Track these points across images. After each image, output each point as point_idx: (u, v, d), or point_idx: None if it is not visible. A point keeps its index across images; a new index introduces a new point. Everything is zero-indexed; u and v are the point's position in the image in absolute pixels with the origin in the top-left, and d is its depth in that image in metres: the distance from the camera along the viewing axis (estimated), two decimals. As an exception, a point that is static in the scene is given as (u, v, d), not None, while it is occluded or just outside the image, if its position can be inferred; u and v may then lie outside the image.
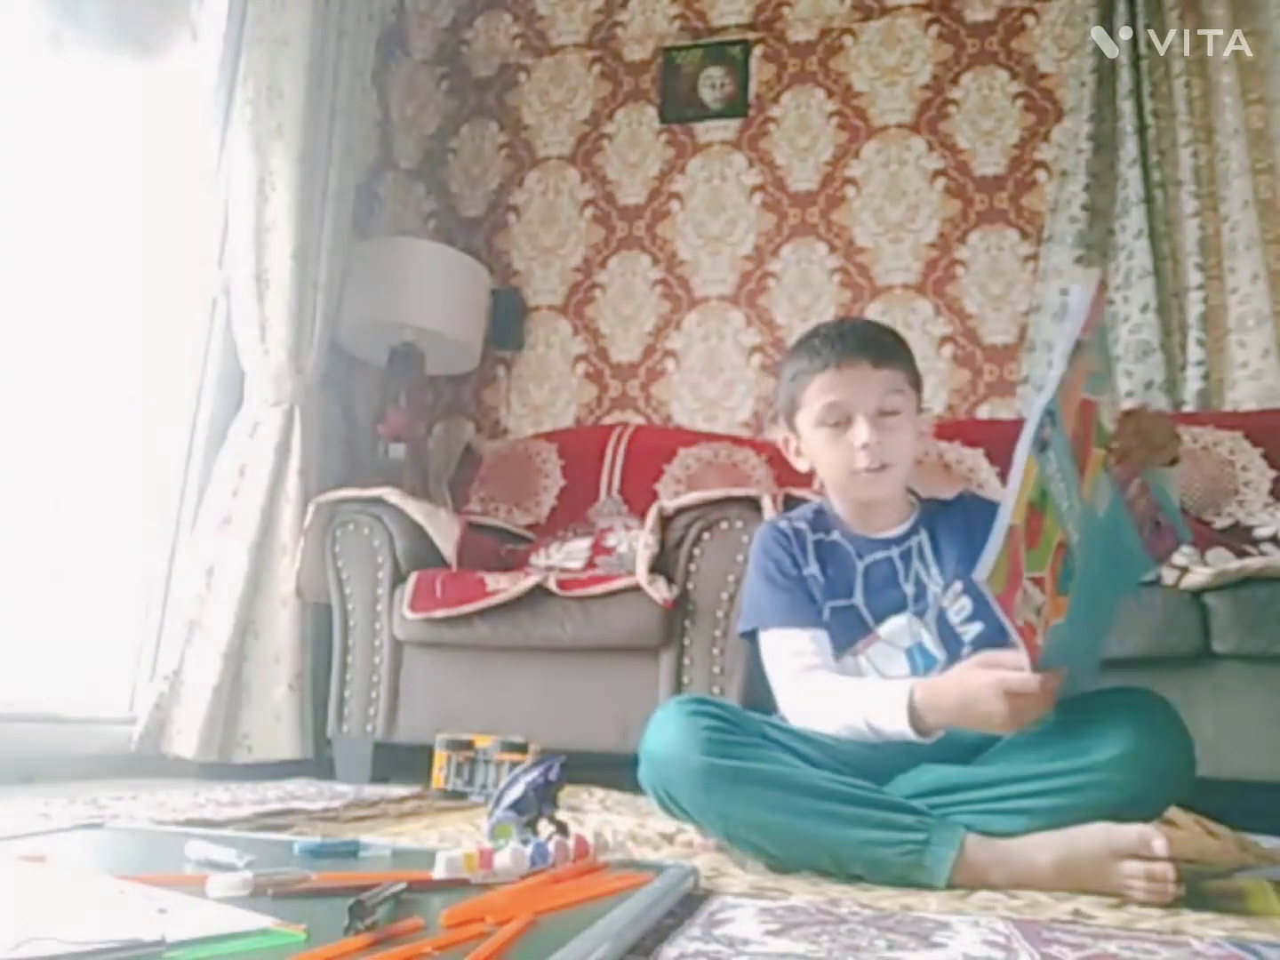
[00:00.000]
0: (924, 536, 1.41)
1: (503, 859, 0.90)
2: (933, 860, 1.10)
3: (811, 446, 1.40)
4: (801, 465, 1.46)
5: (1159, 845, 1.04)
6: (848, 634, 1.36)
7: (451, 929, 0.68)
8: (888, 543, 1.41)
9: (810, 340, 1.39)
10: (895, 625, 1.36)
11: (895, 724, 1.16)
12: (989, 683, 1.08)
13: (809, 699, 1.29)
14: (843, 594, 1.39)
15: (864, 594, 1.38)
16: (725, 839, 1.22)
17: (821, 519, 1.46)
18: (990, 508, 1.21)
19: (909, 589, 1.37)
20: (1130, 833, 1.06)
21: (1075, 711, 1.15)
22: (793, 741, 1.25)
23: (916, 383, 1.40)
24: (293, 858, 0.98)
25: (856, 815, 1.14)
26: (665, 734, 1.21)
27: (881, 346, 1.36)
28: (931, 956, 0.78)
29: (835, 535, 1.43)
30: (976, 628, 1.30)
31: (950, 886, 1.09)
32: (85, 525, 2.38)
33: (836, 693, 1.27)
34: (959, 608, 1.32)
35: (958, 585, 1.33)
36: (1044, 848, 1.10)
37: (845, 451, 1.34)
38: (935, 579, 1.37)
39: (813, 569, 1.40)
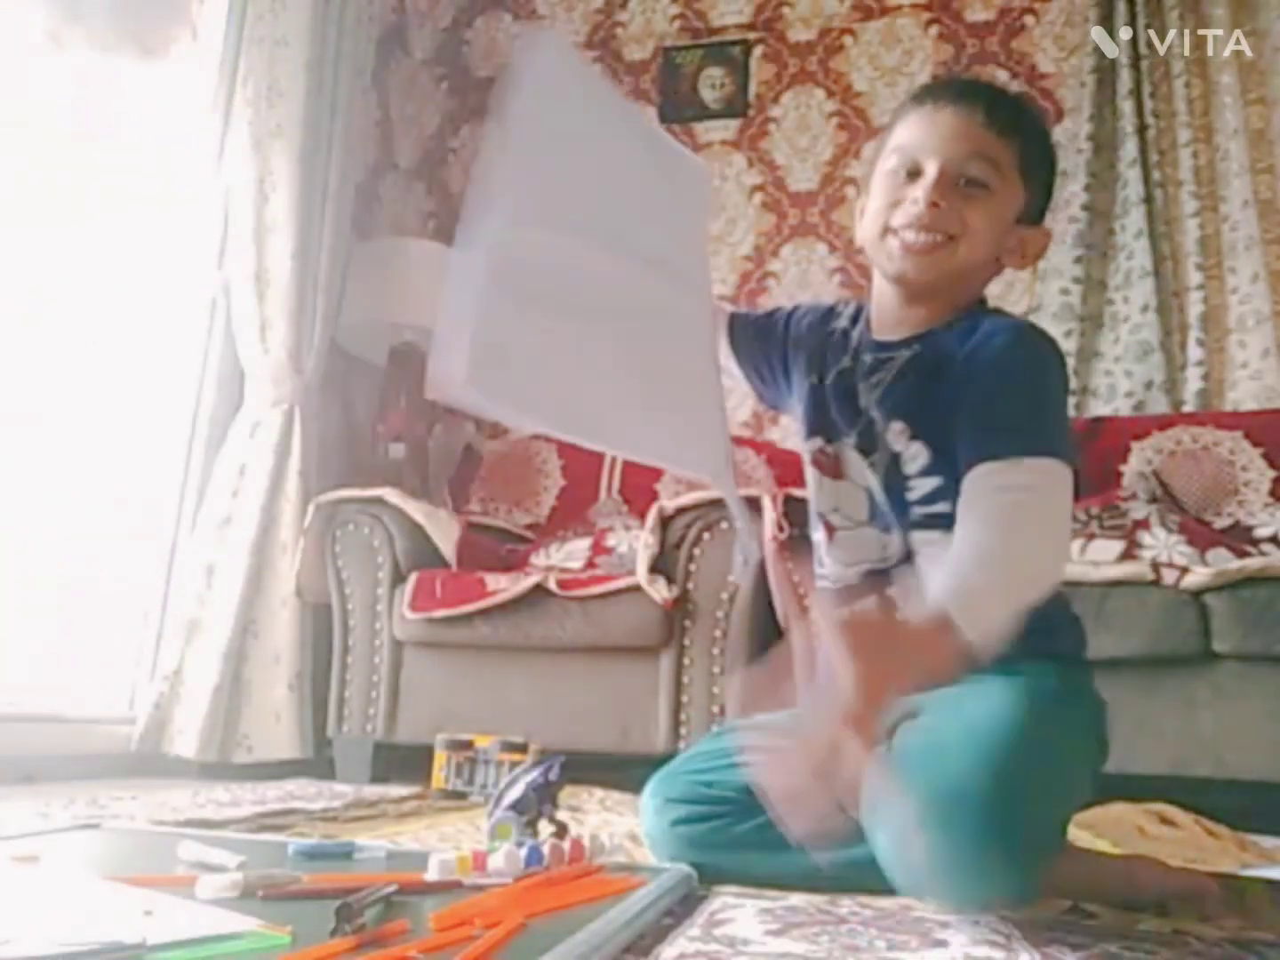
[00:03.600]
0: (909, 353, 1.11)
1: (496, 861, 0.90)
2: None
3: (871, 198, 1.13)
4: (858, 234, 1.20)
5: (1214, 902, 1.00)
6: (817, 416, 1.17)
7: (440, 932, 0.68)
8: (882, 346, 1.14)
9: (947, 77, 1.26)
10: (853, 459, 1.13)
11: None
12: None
13: None
14: (821, 375, 1.17)
15: (831, 385, 1.16)
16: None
17: (856, 314, 1.21)
18: (1002, 350, 1.03)
19: (863, 402, 1.12)
20: (1189, 880, 1.04)
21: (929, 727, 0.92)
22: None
23: (1033, 171, 1.09)
24: (287, 859, 0.97)
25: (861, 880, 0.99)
26: (646, 825, 1.17)
27: (996, 105, 1.08)
28: (932, 956, 0.78)
29: (854, 330, 1.18)
30: (931, 483, 1.06)
31: None
32: (86, 525, 2.38)
33: None
34: (912, 453, 1.08)
35: (900, 426, 1.08)
36: (1099, 881, 1.02)
37: (898, 204, 1.08)
38: (874, 407, 1.11)
39: (801, 358, 1.20)
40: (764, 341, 1.25)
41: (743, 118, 3.39)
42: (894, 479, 1.09)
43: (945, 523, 1.02)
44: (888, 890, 0.93)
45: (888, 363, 1.11)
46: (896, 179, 1.08)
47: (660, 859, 1.12)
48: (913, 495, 1.08)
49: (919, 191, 1.05)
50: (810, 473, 1.20)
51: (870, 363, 1.13)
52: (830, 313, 1.23)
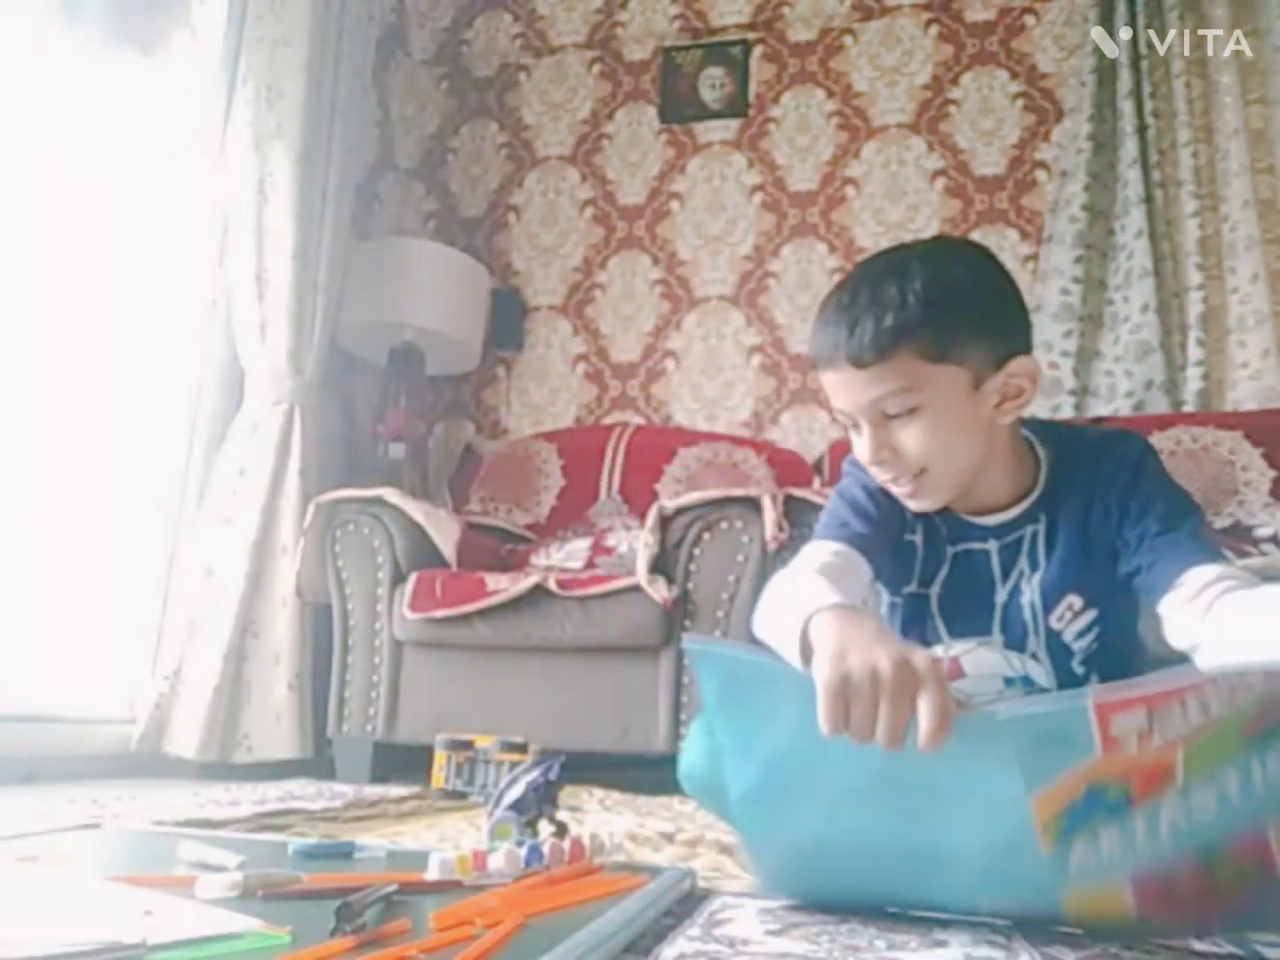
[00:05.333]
0: (1043, 524, 1.08)
1: (496, 860, 0.90)
2: None
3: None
4: None
5: None
6: (917, 631, 1.13)
7: (440, 931, 0.68)
8: (989, 531, 1.10)
9: (820, 312, 1.06)
10: (983, 660, 1.10)
11: (789, 651, 0.88)
12: (875, 645, 0.77)
13: (766, 600, 1.02)
14: (925, 580, 1.13)
15: (942, 589, 1.12)
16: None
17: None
18: (1126, 462, 1.05)
19: (1001, 598, 1.10)
20: None
21: None
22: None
23: (950, 345, 0.98)
24: (287, 859, 0.97)
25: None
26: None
27: (867, 335, 0.98)
28: (932, 956, 0.77)
29: (938, 521, 1.12)
30: (1088, 630, 1.08)
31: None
32: (86, 525, 2.38)
33: (780, 593, 1.00)
34: (1077, 627, 1.08)
35: (1073, 600, 1.08)
36: None
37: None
38: (1035, 587, 1.08)
39: (916, 537, 1.13)
40: (889, 548, 1.14)
41: (743, 118, 3.39)
42: (1054, 647, 1.10)
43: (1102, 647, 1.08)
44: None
45: (1018, 543, 1.09)
46: (852, 430, 1.06)
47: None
48: (1068, 640, 1.09)
49: (865, 451, 1.03)
50: None
51: (1000, 549, 1.10)
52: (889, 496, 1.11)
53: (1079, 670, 1.10)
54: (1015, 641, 1.10)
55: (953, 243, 1.09)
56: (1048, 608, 1.08)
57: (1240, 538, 2.23)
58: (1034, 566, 1.09)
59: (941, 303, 0.98)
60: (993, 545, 1.10)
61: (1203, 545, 1.00)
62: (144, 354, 2.58)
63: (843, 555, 1.07)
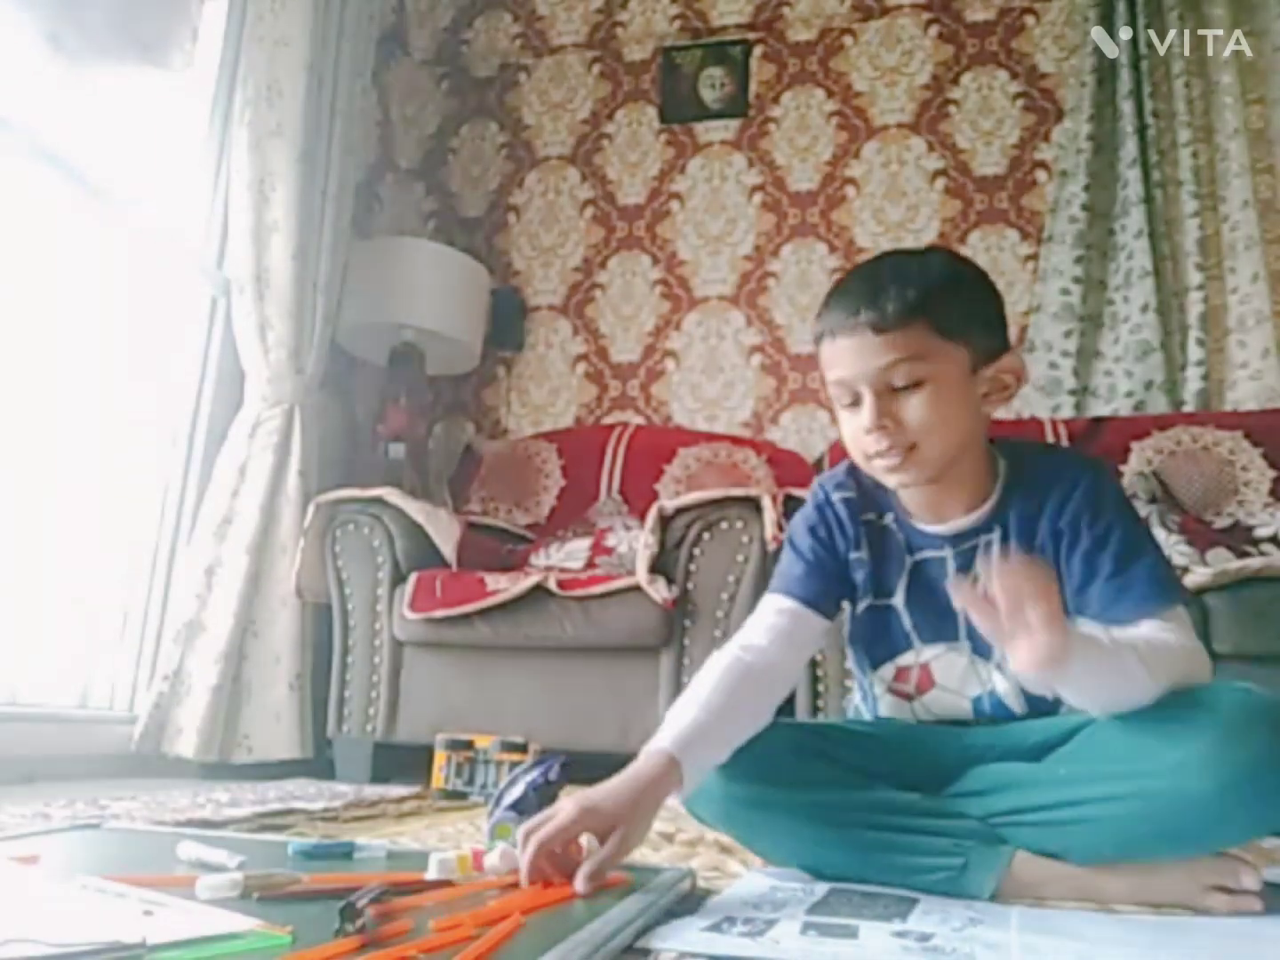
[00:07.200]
0: (997, 535, 1.11)
1: (493, 860, 0.90)
2: (970, 884, 1.00)
3: (840, 424, 1.14)
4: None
5: (1249, 879, 0.95)
6: (886, 642, 1.16)
7: (439, 932, 0.68)
8: (945, 540, 1.13)
9: (833, 288, 1.11)
10: (952, 666, 1.13)
11: None
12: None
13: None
14: (883, 591, 1.16)
15: (906, 597, 1.15)
16: (759, 855, 1.15)
17: (877, 494, 1.17)
18: (1074, 472, 1.09)
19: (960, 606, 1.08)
20: (1215, 863, 0.97)
21: (1160, 708, 0.96)
22: (830, 746, 1.11)
23: (958, 327, 1.05)
24: (287, 859, 0.97)
25: (886, 840, 1.03)
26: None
27: (891, 303, 1.03)
28: (932, 955, 0.77)
29: (887, 519, 1.17)
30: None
31: (994, 899, 1.00)
32: (86, 525, 2.38)
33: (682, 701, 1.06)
34: None
35: None
36: (1117, 873, 0.99)
37: (858, 433, 1.08)
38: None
39: (860, 553, 1.16)
40: (836, 584, 1.18)
41: (743, 118, 3.39)
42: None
43: None
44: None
45: (973, 551, 1.11)
46: (845, 408, 1.10)
47: (698, 790, 1.07)
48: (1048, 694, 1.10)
49: (865, 419, 1.06)
50: (886, 701, 1.18)
51: (956, 557, 1.12)
52: (831, 523, 1.18)
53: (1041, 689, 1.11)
54: (982, 647, 1.11)
55: (955, 251, 1.16)
56: None
57: (1240, 538, 2.23)
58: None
59: (957, 286, 1.07)
60: (948, 552, 1.13)
61: (1158, 587, 1.03)
62: (145, 354, 2.59)
63: (787, 614, 1.14)
